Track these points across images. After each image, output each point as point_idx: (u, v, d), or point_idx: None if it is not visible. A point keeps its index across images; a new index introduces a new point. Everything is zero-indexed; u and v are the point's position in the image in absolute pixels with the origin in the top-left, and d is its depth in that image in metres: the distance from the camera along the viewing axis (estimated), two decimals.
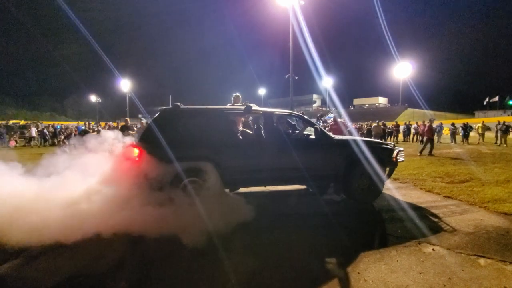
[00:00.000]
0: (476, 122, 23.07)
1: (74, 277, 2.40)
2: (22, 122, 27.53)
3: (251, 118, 5.17)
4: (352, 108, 72.06)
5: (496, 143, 15.34)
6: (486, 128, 16.92)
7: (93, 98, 57.20)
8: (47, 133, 18.16)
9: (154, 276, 2.43)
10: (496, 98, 50.40)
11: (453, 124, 17.37)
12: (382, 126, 16.50)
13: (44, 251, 2.77)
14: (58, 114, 66.92)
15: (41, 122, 27.39)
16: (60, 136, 15.85)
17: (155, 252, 2.81)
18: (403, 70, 55.24)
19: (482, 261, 2.62)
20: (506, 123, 15.18)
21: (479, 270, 2.47)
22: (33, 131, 17.43)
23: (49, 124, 24.99)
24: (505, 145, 14.18)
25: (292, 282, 2.33)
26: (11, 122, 26.88)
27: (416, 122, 18.62)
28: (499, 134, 14.99)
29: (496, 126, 15.78)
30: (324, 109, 67.52)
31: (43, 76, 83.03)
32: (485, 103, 51.60)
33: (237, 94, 5.21)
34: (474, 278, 2.34)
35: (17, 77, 78.27)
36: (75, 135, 13.02)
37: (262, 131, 4.41)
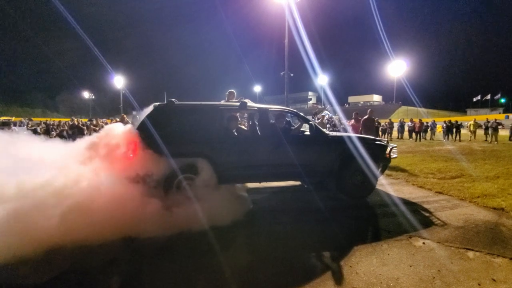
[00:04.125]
0: (468, 119, 23.41)
1: (67, 273, 2.39)
2: (14, 119, 27.02)
3: (245, 114, 5.16)
4: (347, 105, 72.48)
5: (486, 140, 15.63)
6: (477, 125, 17.19)
7: (86, 94, 56.36)
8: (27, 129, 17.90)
9: (148, 271, 2.43)
10: (488, 96, 51.27)
11: (449, 122, 17.52)
12: (376, 124, 16.58)
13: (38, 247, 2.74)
14: (50, 110, 65.79)
15: (31, 119, 26.89)
16: (52, 132, 15.52)
17: (149, 247, 2.81)
18: (397, 68, 55.74)
19: (471, 254, 2.69)
20: (497, 121, 15.45)
21: (467, 262, 2.53)
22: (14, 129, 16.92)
23: (40, 121, 24.51)
24: (496, 142, 14.45)
25: (286, 276, 2.35)
26: (2, 118, 26.35)
27: (410, 120, 18.77)
28: (489, 132, 15.27)
29: (484, 124, 16.04)
30: (319, 106, 67.77)
31: (34, 72, 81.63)
32: (474, 100, 52.44)
33: (232, 90, 5.19)
34: (462, 270, 2.40)
35: (8, 73, 76.66)
36: (67, 132, 12.79)
37: (257, 128, 4.42)
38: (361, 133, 7.53)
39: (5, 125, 18.85)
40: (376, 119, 15.83)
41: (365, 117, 8.30)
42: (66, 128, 14.92)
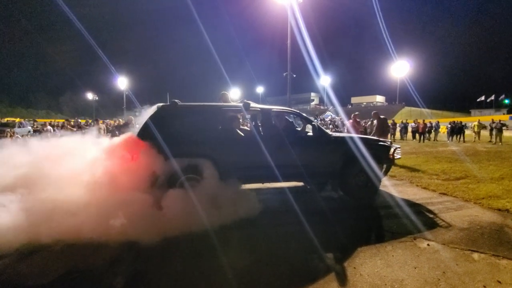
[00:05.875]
0: (472, 120, 23.23)
1: (70, 272, 2.41)
2: (17, 120, 27.26)
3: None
4: (350, 106, 72.25)
5: (491, 141, 15.50)
6: (482, 126, 17.05)
7: (89, 95, 56.69)
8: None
9: (151, 272, 2.44)
10: (492, 97, 50.82)
11: (453, 123, 17.40)
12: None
13: (40, 247, 2.77)
14: (53, 111, 66.33)
15: (36, 120, 27.14)
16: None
17: (152, 248, 2.81)
18: (400, 69, 55.38)
19: (475, 255, 2.67)
20: (501, 121, 15.32)
21: (472, 264, 2.51)
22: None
23: (45, 122, 24.70)
24: (500, 143, 14.32)
25: (288, 278, 2.35)
26: (5, 119, 26.61)
27: (414, 121, 18.62)
28: (494, 132, 15.14)
29: (490, 125, 15.90)
30: (322, 107, 67.63)
31: (38, 73, 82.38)
32: (478, 100, 52.02)
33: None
34: (468, 272, 2.38)
35: (12, 74, 77.48)
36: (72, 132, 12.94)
37: (260, 128, 4.42)
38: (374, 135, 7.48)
39: (5, 126, 18.93)
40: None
41: (352, 122, 8.34)
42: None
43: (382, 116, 8.19)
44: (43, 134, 12.41)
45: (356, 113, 8.99)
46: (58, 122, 19.98)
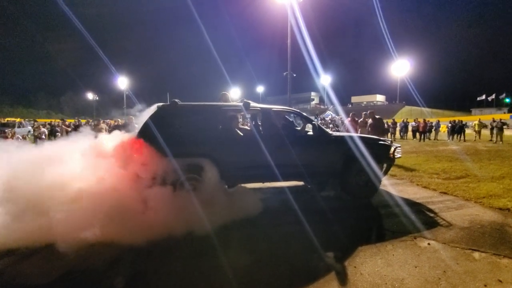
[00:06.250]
0: (473, 119, 23.18)
1: (71, 272, 2.41)
2: (18, 120, 27.28)
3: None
4: (350, 105, 72.10)
5: (491, 140, 15.47)
6: (482, 125, 17.02)
7: (90, 95, 56.69)
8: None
9: (151, 272, 2.44)
10: (493, 96, 50.69)
11: (454, 121, 17.38)
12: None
13: (40, 248, 2.77)
14: (54, 111, 66.34)
15: (36, 120, 27.15)
16: (58, 133, 15.57)
17: (152, 248, 2.81)
18: (401, 68, 55.25)
19: (476, 254, 2.66)
20: (502, 120, 15.29)
21: (473, 263, 2.51)
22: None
23: (45, 122, 24.70)
24: (501, 142, 14.29)
25: (288, 278, 2.34)
26: (6, 119, 26.65)
27: (414, 120, 18.57)
28: (494, 131, 15.11)
29: (490, 124, 15.87)
30: (322, 106, 67.59)
31: (39, 73, 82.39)
32: (479, 99, 51.89)
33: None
34: (468, 271, 2.37)
35: (13, 74, 77.55)
36: (67, 132, 12.90)
37: (260, 128, 4.42)
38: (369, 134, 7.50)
39: (6, 127, 18.90)
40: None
41: (350, 119, 8.35)
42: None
43: (377, 116, 8.21)
44: (37, 136, 12.13)
45: (367, 112, 8.89)
46: (57, 122, 19.93)
